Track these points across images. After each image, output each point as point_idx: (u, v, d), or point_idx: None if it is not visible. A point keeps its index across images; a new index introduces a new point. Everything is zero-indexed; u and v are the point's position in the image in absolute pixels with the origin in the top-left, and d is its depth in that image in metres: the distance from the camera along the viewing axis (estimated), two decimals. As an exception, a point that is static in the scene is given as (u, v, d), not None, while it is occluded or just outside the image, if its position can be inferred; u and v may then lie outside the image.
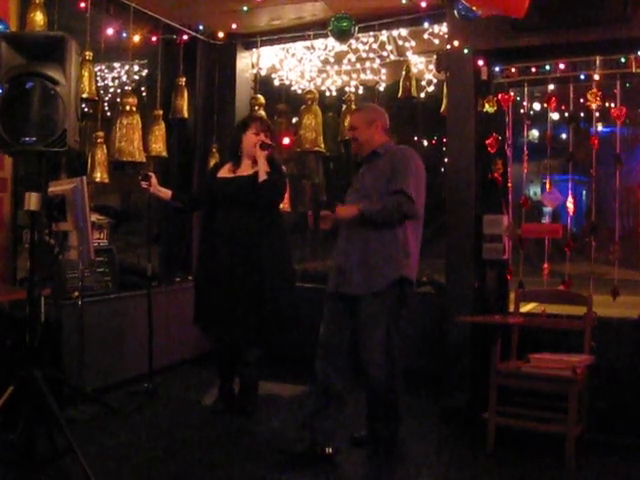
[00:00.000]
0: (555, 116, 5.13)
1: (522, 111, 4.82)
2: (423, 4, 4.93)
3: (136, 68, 7.09)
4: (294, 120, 6.37)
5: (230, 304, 4.38)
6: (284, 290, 4.50)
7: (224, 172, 4.59)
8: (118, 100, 6.07)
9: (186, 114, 5.75)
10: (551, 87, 4.71)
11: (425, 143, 7.70)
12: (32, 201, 3.26)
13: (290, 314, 4.55)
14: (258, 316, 4.39)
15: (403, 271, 3.78)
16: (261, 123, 4.62)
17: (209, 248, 4.52)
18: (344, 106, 5.88)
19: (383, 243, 3.78)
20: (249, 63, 6.34)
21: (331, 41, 5.72)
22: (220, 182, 4.55)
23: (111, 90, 7.38)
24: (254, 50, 6.24)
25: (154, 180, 4.57)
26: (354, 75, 6.16)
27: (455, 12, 4.42)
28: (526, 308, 4.92)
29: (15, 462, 3.30)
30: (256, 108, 5.82)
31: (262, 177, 4.40)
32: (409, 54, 5.73)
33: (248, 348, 4.55)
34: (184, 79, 5.72)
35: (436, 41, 5.47)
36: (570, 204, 4.63)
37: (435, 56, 5.32)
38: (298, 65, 6.23)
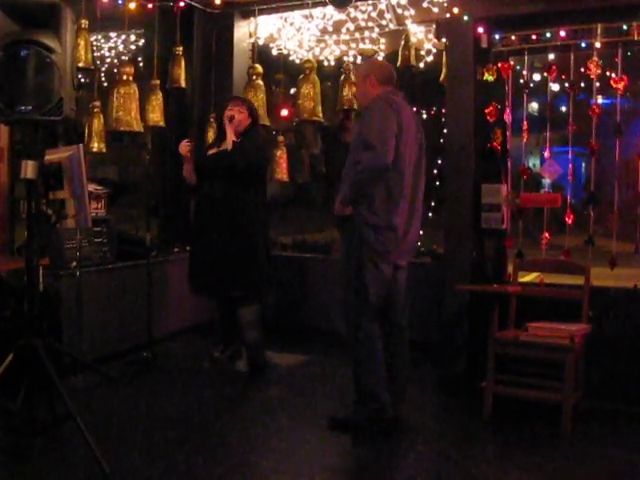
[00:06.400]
0: (555, 87, 5.09)
1: (522, 80, 4.78)
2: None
3: (132, 38, 7.03)
4: (292, 90, 6.33)
5: (225, 263, 4.67)
6: (267, 254, 4.93)
7: (211, 150, 4.92)
8: (115, 70, 6.03)
9: (183, 83, 5.71)
10: (551, 56, 4.67)
11: (424, 113, 7.64)
12: (29, 169, 3.23)
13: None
14: (253, 271, 4.73)
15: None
16: (233, 100, 4.96)
17: (201, 216, 4.86)
18: (342, 76, 5.84)
19: None
20: (247, 32, 6.27)
21: (330, 9, 5.66)
22: (207, 158, 4.86)
23: (108, 60, 7.32)
24: (252, 19, 6.16)
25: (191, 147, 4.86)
26: (353, 44, 6.10)
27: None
28: (525, 279, 4.93)
29: (16, 429, 3.34)
30: (254, 78, 5.76)
31: (229, 146, 4.71)
32: (408, 23, 5.67)
33: (246, 307, 4.78)
34: (181, 48, 5.66)
35: (435, 9, 5.40)
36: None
37: (435, 24, 5.27)
38: (296, 34, 6.16)
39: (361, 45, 6.08)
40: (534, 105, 9.04)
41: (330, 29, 6.01)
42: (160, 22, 5.68)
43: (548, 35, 4.60)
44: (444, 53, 5.16)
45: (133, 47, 7.03)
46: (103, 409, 4.02)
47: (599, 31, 4.46)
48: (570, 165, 4.61)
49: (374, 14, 5.77)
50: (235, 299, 4.81)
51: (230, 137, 4.72)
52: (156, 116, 5.51)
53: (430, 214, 6.37)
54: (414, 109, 4.06)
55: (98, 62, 6.69)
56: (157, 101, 5.52)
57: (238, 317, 4.83)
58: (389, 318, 3.95)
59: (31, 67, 3.18)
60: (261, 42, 6.22)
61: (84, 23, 4.82)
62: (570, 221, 4.58)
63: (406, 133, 3.76)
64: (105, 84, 6.71)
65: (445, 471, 3.38)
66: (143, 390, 4.45)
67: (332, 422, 3.84)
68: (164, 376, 4.75)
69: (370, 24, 5.86)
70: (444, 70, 5.20)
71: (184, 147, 4.81)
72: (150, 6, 5.44)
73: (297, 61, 6.27)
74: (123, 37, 7.04)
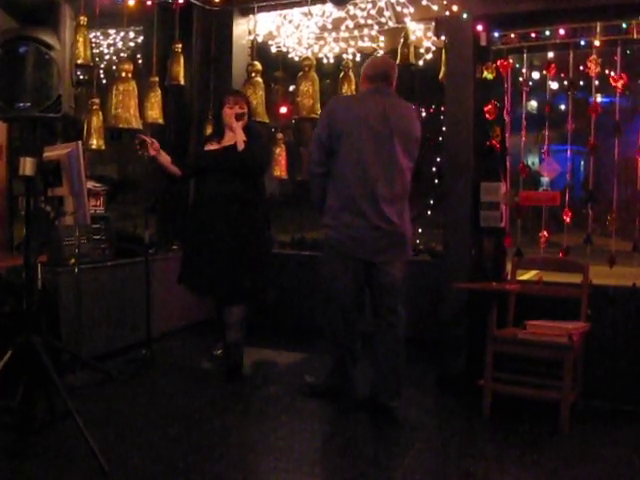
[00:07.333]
0: (554, 85, 5.08)
1: (521, 79, 4.78)
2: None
3: (131, 35, 7.02)
4: (291, 87, 6.32)
5: (223, 264, 4.56)
6: (268, 252, 4.86)
7: (211, 145, 4.82)
8: (114, 67, 6.03)
9: (182, 81, 5.70)
10: (550, 55, 4.67)
11: (423, 111, 7.64)
12: (27, 166, 3.23)
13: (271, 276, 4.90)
14: (252, 274, 4.63)
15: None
16: (235, 96, 4.86)
17: (200, 213, 4.72)
18: (342, 73, 5.84)
19: None
20: (246, 29, 6.26)
21: (329, 7, 5.66)
22: (207, 154, 4.76)
23: (106, 57, 7.31)
24: (251, 16, 6.15)
25: (157, 144, 4.70)
26: (352, 42, 6.09)
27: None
28: (524, 277, 4.93)
29: (14, 426, 3.33)
30: (253, 75, 5.75)
31: (240, 146, 4.62)
32: (407, 21, 5.66)
33: (235, 306, 4.66)
34: (180, 45, 5.65)
35: (435, 7, 5.40)
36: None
37: (434, 22, 5.26)
38: (295, 32, 6.15)
39: (360, 43, 6.08)
40: (533, 103, 9.02)
41: (329, 27, 6.01)
42: (159, 19, 5.66)
43: (547, 33, 4.60)
44: (443, 51, 5.16)
45: (132, 44, 7.02)
46: (102, 407, 4.01)
47: (598, 29, 4.46)
48: (569, 163, 4.62)
49: (373, 12, 5.77)
50: (225, 297, 4.69)
51: (241, 136, 4.65)
52: (155, 113, 5.51)
53: (429, 212, 6.37)
54: (394, 104, 4.03)
55: (97, 59, 6.69)
56: (156, 98, 5.51)
57: (224, 315, 4.69)
58: (378, 314, 3.98)
59: (30, 64, 3.17)
60: (260, 39, 6.21)
61: (83, 20, 4.81)
62: (568, 219, 4.59)
63: (353, 132, 3.86)
64: (104, 81, 6.72)
65: (444, 469, 3.38)
66: (142, 388, 4.44)
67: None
68: (163, 374, 4.74)
69: (369, 22, 5.86)
70: (443, 68, 5.20)
71: (152, 146, 4.65)
72: (149, 3, 5.44)
73: (296, 58, 6.26)
74: (122, 34, 7.03)
